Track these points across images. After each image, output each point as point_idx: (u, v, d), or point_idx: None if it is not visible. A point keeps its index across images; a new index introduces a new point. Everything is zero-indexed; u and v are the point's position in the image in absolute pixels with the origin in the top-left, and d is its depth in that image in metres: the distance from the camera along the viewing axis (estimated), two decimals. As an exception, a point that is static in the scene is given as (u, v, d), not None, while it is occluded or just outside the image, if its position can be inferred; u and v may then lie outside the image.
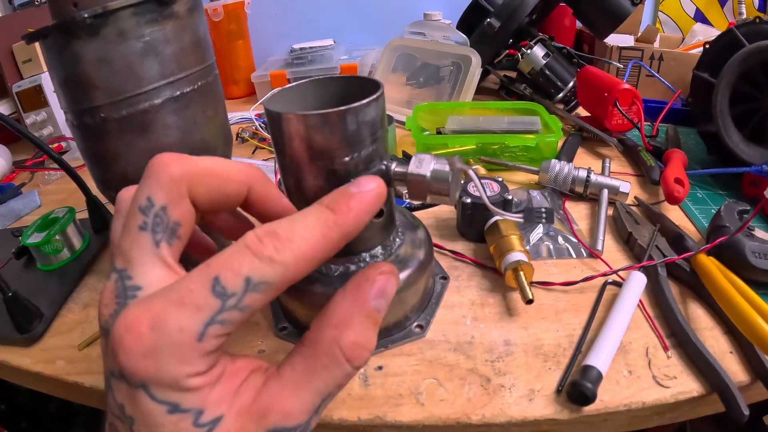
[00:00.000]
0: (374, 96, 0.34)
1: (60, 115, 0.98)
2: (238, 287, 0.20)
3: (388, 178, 0.36)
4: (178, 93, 0.45)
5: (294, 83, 0.39)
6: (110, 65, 0.42)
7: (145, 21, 0.41)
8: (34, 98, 0.98)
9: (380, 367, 0.41)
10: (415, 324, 0.45)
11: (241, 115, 1.00)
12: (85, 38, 0.41)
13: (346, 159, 0.34)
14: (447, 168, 0.34)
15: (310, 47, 1.08)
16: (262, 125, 0.90)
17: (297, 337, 0.43)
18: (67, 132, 0.98)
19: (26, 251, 0.62)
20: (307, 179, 0.36)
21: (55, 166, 0.95)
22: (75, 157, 0.98)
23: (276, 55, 1.22)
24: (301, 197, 0.37)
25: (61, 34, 0.41)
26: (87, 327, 0.48)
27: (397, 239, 0.43)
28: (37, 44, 0.90)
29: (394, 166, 0.36)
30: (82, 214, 0.66)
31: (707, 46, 0.70)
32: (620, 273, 0.49)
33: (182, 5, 0.44)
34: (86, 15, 0.39)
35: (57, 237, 0.58)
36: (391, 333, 0.44)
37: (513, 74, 0.97)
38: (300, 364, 0.23)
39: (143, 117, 0.44)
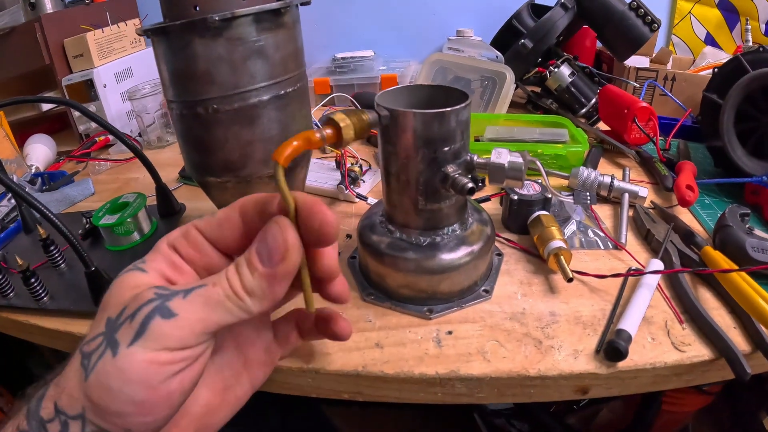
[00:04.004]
0: (468, 102, 0.47)
1: (110, 110, 1.07)
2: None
3: (472, 166, 0.49)
4: (282, 92, 0.53)
5: (391, 88, 0.52)
6: (228, 63, 0.49)
7: (262, 28, 0.49)
8: (83, 92, 1.07)
9: (450, 332, 0.51)
10: (483, 288, 0.56)
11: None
12: (209, 38, 0.48)
13: (445, 149, 0.47)
14: (520, 159, 0.47)
15: (352, 57, 1.19)
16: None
17: (383, 301, 0.55)
18: (116, 125, 1.06)
19: (94, 232, 0.69)
20: (412, 164, 0.48)
21: (105, 156, 1.05)
22: (120, 150, 1.07)
23: (317, 63, 1.32)
24: (404, 179, 0.49)
25: (185, 33, 0.48)
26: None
27: (470, 218, 0.55)
28: (90, 40, 1.00)
29: (476, 158, 0.48)
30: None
31: (716, 70, 0.81)
32: (641, 262, 0.60)
33: (290, 17, 0.53)
34: (216, 18, 0.46)
35: (129, 220, 0.65)
36: (465, 296, 0.55)
37: (537, 89, 1.09)
38: None
39: (252, 111, 0.52)
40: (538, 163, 0.48)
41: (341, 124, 0.38)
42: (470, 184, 0.46)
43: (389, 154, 0.50)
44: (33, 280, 0.57)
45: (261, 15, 0.49)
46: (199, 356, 0.31)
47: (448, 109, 0.45)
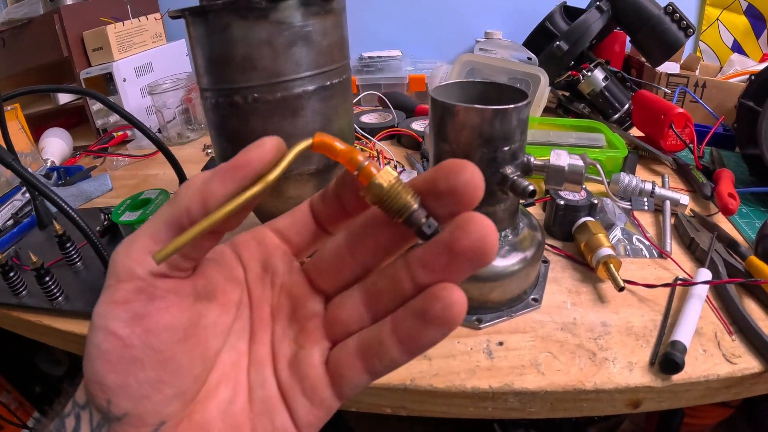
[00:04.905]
0: (528, 100, 0.44)
1: (129, 105, 1.04)
2: None
3: (529, 168, 0.46)
4: (328, 83, 0.50)
5: (444, 83, 0.49)
6: (273, 49, 0.46)
7: (310, 12, 0.46)
8: (102, 86, 1.04)
9: (501, 343, 0.49)
10: (531, 297, 0.54)
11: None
12: (252, 20, 0.45)
13: (505, 149, 0.44)
14: (581, 162, 0.44)
15: (379, 56, 1.17)
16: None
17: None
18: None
19: (112, 229, 0.67)
20: None
21: (123, 152, 1.03)
22: (139, 146, 1.05)
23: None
24: None
25: (227, 14, 0.45)
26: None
27: (520, 223, 0.53)
28: (111, 33, 0.98)
29: (533, 159, 0.46)
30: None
31: (752, 77, 0.80)
32: (687, 271, 0.58)
33: (338, 3, 0.50)
34: None
35: (152, 216, 0.63)
36: (514, 305, 0.53)
37: (566, 93, 1.08)
38: None
39: (296, 101, 0.48)
40: (598, 166, 0.46)
41: (379, 180, 0.23)
42: (531, 187, 0.43)
43: (444, 152, 0.47)
44: (47, 278, 0.54)
45: (310, -1, 0.46)
46: (163, 293, 0.24)
47: (511, 106, 0.43)
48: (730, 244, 0.61)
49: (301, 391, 0.27)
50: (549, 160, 0.46)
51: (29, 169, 0.89)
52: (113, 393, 0.24)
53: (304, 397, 0.26)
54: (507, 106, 0.42)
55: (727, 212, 0.67)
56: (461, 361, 0.47)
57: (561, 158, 0.46)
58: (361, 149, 0.89)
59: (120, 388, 0.23)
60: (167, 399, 0.24)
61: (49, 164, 0.96)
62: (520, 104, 0.43)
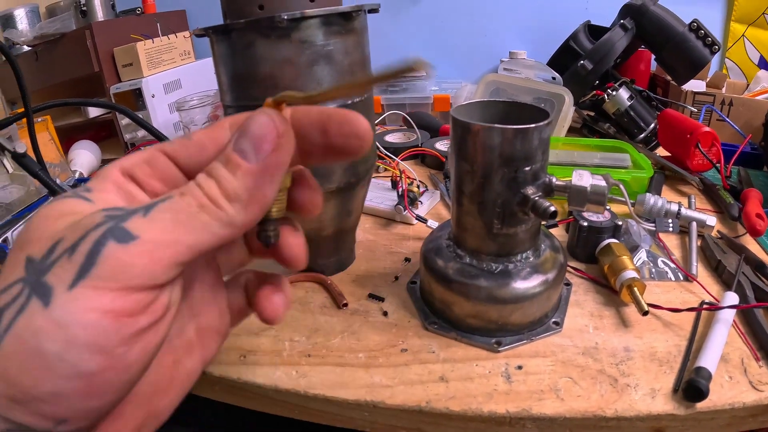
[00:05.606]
0: (550, 119, 0.44)
1: (157, 120, 1.06)
2: None
3: (550, 189, 0.46)
4: (349, 102, 0.51)
5: (465, 102, 0.49)
6: (294, 67, 0.47)
7: (331, 31, 0.47)
8: (131, 101, 1.07)
9: (520, 367, 0.48)
10: (552, 320, 0.53)
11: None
12: (275, 39, 0.45)
13: (526, 169, 0.44)
14: (603, 183, 0.43)
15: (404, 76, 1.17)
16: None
17: (448, 331, 0.51)
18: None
19: None
20: (490, 185, 0.45)
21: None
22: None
23: (368, 82, 1.31)
24: (479, 200, 0.46)
25: (249, 33, 0.45)
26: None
27: (542, 245, 0.52)
28: (140, 50, 0.99)
29: (555, 180, 0.45)
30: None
31: None
32: (713, 294, 0.57)
33: (359, 23, 0.50)
34: (285, 17, 0.44)
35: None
36: (535, 328, 0.52)
37: (591, 113, 1.06)
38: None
39: None
40: (621, 187, 0.45)
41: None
42: (552, 208, 0.43)
43: (464, 172, 0.47)
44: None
45: (331, 18, 0.47)
46: (167, 306, 0.22)
47: (533, 125, 0.42)
48: (758, 267, 0.60)
49: None
50: (571, 180, 0.45)
51: (57, 180, 0.92)
52: (74, 418, 0.20)
53: None
54: (528, 126, 0.42)
55: (754, 233, 0.65)
56: (479, 384, 0.46)
57: (583, 179, 0.45)
58: (385, 168, 0.90)
59: (85, 416, 0.20)
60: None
61: (77, 175, 0.98)
62: (541, 124, 0.43)
